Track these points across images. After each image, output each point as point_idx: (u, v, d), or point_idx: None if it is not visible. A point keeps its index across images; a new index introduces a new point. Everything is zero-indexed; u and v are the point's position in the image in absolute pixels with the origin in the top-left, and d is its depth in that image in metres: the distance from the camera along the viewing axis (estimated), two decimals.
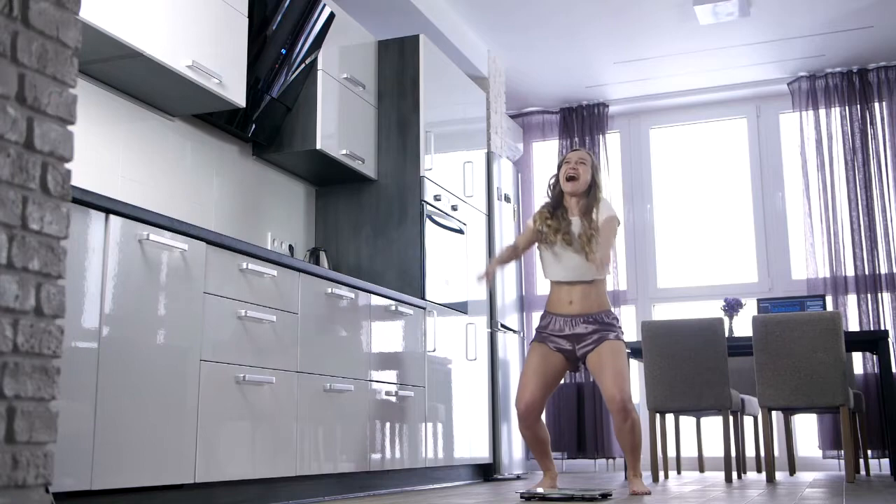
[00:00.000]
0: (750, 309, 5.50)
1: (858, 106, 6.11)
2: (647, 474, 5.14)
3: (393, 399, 4.02)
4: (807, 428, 6.02)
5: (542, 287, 6.30)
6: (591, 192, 3.88)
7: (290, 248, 4.38)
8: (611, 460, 6.23)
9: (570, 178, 3.87)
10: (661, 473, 5.10)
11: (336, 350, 3.63)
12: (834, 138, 6.14)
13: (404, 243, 4.56)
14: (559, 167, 3.97)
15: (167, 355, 2.71)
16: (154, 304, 2.68)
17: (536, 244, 3.98)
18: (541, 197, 5.66)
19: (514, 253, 4.14)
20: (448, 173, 4.91)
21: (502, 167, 5.67)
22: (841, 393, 4.47)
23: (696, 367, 4.75)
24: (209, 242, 2.92)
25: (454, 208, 4.93)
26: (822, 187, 6.09)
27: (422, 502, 3.39)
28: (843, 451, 4.87)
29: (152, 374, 2.64)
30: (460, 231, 5.00)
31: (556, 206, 3.93)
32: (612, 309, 3.99)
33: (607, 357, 3.73)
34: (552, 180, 4.01)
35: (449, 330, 4.71)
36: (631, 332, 6.35)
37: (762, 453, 5.51)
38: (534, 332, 3.97)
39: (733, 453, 5.09)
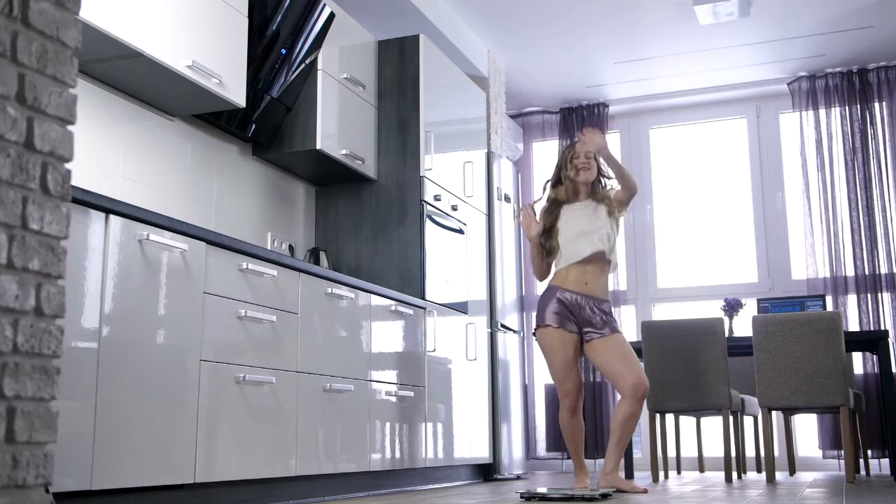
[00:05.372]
0: (750, 309, 5.50)
1: (858, 106, 6.11)
2: (646, 474, 5.14)
3: (393, 399, 4.02)
4: (807, 428, 6.01)
5: (542, 287, 6.28)
6: (597, 179, 4.01)
7: (291, 248, 4.38)
8: None
9: (582, 169, 3.94)
10: (661, 473, 5.10)
11: (336, 350, 3.63)
12: (834, 138, 6.14)
13: (404, 243, 4.56)
14: (565, 162, 3.98)
15: (167, 355, 2.71)
16: (154, 304, 2.68)
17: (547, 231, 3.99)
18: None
19: (540, 249, 4.05)
20: (448, 173, 4.91)
21: (502, 167, 5.67)
22: (841, 393, 4.47)
23: (696, 367, 4.75)
24: (209, 242, 2.92)
25: (454, 208, 4.93)
26: (822, 187, 6.09)
27: (421, 502, 3.39)
28: (843, 451, 4.87)
29: (152, 374, 2.64)
30: (460, 231, 5.00)
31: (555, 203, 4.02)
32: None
33: (624, 346, 3.84)
34: (553, 179, 4.05)
35: (449, 330, 4.70)
36: (631, 332, 6.35)
37: (762, 453, 5.51)
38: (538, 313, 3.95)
39: (733, 453, 5.09)
